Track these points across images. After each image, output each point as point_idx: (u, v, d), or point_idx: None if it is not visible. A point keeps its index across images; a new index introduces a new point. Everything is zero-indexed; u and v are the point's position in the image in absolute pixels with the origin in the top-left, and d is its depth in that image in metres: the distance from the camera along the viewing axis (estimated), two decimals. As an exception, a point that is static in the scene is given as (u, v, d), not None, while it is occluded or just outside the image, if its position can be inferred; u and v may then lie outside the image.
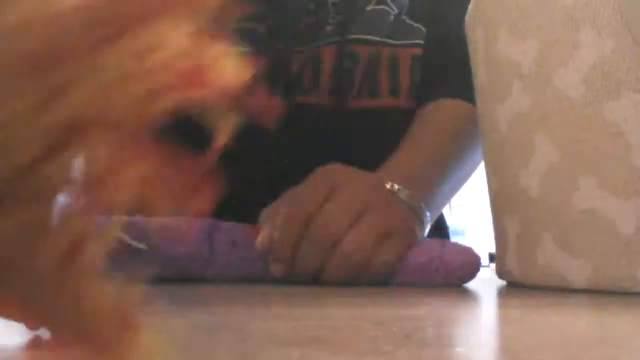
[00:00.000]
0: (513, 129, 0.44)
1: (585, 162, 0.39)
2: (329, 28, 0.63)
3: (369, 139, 0.62)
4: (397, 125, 0.63)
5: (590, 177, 0.39)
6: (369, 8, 0.64)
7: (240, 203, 0.56)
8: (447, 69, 0.68)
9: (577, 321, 0.28)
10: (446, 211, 0.76)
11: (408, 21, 0.66)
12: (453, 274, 0.45)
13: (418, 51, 0.65)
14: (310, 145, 0.60)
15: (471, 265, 0.46)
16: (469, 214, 3.03)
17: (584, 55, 0.39)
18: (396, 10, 0.65)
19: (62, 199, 0.17)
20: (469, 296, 0.41)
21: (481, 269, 0.48)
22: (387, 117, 0.64)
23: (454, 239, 0.51)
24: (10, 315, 0.19)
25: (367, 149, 0.60)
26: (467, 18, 0.51)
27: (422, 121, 0.65)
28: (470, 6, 0.50)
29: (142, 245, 0.42)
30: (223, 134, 0.19)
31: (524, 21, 0.43)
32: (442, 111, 0.65)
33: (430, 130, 0.64)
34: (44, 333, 0.19)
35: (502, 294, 0.42)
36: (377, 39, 0.63)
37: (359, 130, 0.63)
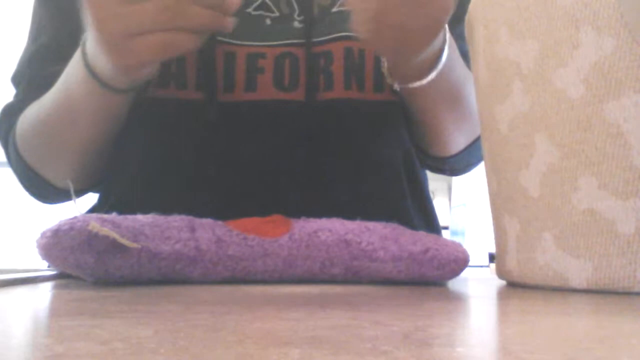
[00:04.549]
0: (513, 129, 0.44)
1: (585, 162, 0.39)
2: (296, 24, 0.63)
3: (350, 132, 0.62)
4: (384, 118, 0.64)
5: (590, 177, 0.39)
6: (334, 10, 0.64)
7: (226, 201, 0.56)
8: None
9: (577, 321, 0.28)
10: (446, 211, 0.76)
11: None
12: (446, 266, 0.46)
13: None
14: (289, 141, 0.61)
15: (461, 261, 0.47)
16: (469, 214, 3.03)
17: (584, 55, 0.39)
18: None
19: None
20: (469, 296, 0.41)
21: (481, 269, 0.48)
22: (369, 109, 0.64)
23: (454, 239, 0.51)
24: None
25: (348, 143, 0.61)
26: (467, 18, 0.51)
27: None
28: (470, 6, 0.50)
29: (136, 245, 0.42)
30: None
31: (524, 21, 0.43)
32: None
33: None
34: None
35: (502, 294, 0.42)
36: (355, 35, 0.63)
37: (339, 123, 0.63)
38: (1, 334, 0.23)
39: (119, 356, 0.17)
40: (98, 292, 0.38)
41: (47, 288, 0.42)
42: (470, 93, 0.65)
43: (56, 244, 0.41)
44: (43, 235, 0.42)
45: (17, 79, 0.70)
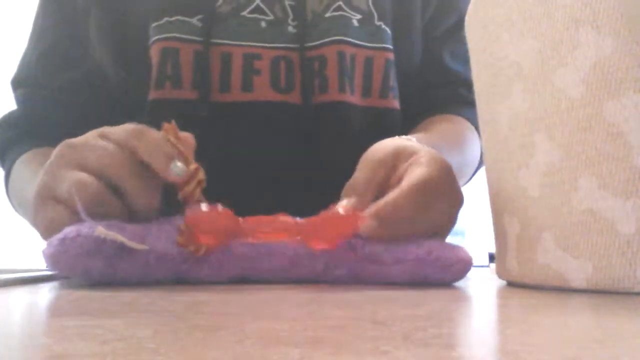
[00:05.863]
0: (513, 129, 0.44)
1: (585, 162, 0.39)
2: (290, 29, 0.64)
3: (342, 136, 0.64)
4: (370, 123, 0.65)
5: (590, 177, 0.39)
6: (327, 15, 0.64)
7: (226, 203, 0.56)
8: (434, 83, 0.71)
9: (577, 321, 0.28)
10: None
11: (377, 23, 0.66)
12: (450, 268, 0.46)
13: (389, 55, 0.66)
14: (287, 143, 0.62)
15: (465, 262, 0.47)
16: (469, 214, 3.03)
17: (584, 55, 0.39)
18: (359, 16, 0.65)
19: None
20: (469, 296, 0.41)
21: (481, 269, 0.48)
22: (358, 114, 0.65)
23: (454, 239, 0.51)
24: None
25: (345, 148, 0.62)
26: (467, 18, 0.51)
27: (427, 121, 0.69)
28: (470, 6, 0.50)
29: (144, 246, 0.42)
30: None
31: (524, 21, 0.43)
32: (447, 118, 0.70)
33: (437, 124, 0.68)
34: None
35: (502, 294, 0.42)
36: (347, 39, 0.64)
37: (331, 126, 0.64)
38: (1, 334, 0.23)
39: (119, 356, 0.17)
40: (98, 292, 0.38)
41: (47, 288, 0.42)
42: (469, 162, 0.71)
43: (64, 252, 0.41)
44: (50, 244, 0.42)
45: (15, 83, 0.71)
